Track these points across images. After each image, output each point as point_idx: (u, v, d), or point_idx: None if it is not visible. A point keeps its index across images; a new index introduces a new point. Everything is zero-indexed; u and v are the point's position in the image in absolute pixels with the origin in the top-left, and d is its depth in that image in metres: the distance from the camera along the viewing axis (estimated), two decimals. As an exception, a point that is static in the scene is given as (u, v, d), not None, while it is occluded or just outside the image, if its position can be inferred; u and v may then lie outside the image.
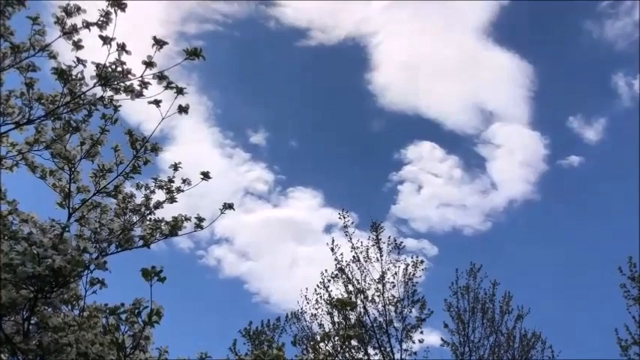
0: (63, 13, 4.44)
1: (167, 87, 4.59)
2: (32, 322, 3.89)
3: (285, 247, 27.14)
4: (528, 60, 28.13)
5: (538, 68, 27.76)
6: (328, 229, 25.14)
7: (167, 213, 5.52)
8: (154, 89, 4.65)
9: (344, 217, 16.69)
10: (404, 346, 15.74)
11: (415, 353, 15.84)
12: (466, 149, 27.87)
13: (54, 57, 4.58)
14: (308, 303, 17.04)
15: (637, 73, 26.12)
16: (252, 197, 26.23)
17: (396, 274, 16.29)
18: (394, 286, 16.18)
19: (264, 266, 25.04)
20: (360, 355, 15.65)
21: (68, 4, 4.43)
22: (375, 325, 15.88)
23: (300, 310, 17.26)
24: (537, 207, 26.98)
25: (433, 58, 31.10)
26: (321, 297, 16.78)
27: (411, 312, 16.02)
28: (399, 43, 30.73)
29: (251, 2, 27.78)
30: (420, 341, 15.88)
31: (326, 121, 31.05)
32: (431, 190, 26.16)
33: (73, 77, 4.56)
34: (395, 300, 16.00)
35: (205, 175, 5.35)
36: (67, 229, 4.71)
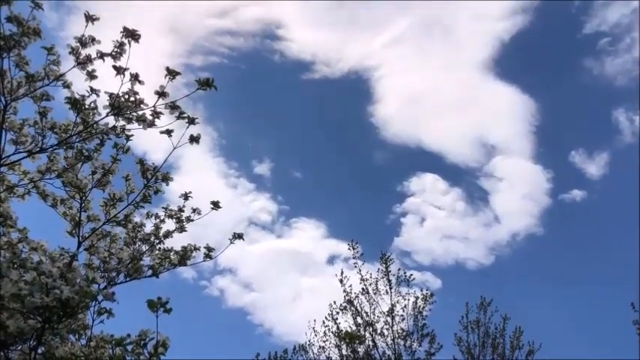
0: (78, 44, 4.49)
1: (179, 117, 4.61)
2: (39, 352, 3.85)
3: (289, 279, 27.03)
4: (530, 94, 28.34)
5: (539, 103, 27.91)
6: (332, 260, 25.11)
7: (173, 242, 5.53)
8: (163, 119, 4.69)
9: (353, 248, 16.60)
10: (413, 380, 15.51)
11: (424, 388, 15.59)
12: (469, 182, 27.89)
13: (68, 86, 4.62)
14: (316, 335, 16.87)
15: (637, 109, 26.21)
16: (256, 227, 26.22)
17: (405, 307, 16.12)
18: (403, 320, 16.00)
19: (267, 297, 24.91)
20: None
21: (83, 35, 4.48)
22: (383, 358, 15.67)
23: (307, 342, 17.08)
24: (541, 241, 26.84)
25: (435, 91, 31.37)
26: (329, 329, 16.61)
27: (420, 346, 15.82)
28: (401, 77, 31.07)
29: (256, 36, 28.16)
30: (430, 376, 15.65)
31: (330, 153, 31.24)
32: (434, 222, 26.10)
33: (86, 107, 4.59)
34: (404, 333, 15.81)
35: (215, 205, 5.35)
36: (76, 258, 4.70)
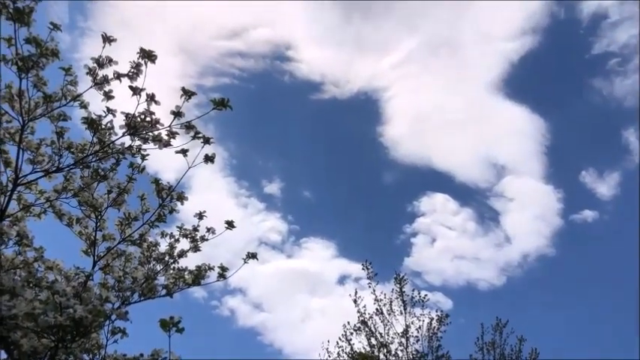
0: (95, 65, 4.54)
1: (194, 137, 4.63)
2: (52, 371, 3.85)
3: (299, 299, 26.95)
4: (539, 114, 28.26)
5: (549, 122, 27.84)
6: (342, 280, 25.03)
7: (186, 262, 5.54)
8: (176, 139, 4.71)
9: (367, 269, 16.55)
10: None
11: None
12: (479, 202, 27.76)
13: (85, 107, 4.66)
14: (329, 356, 16.76)
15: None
16: (266, 247, 26.23)
17: (419, 328, 16.00)
18: (418, 341, 15.87)
19: (277, 318, 24.84)
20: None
21: (100, 56, 4.53)
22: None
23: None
24: (552, 262, 26.64)
25: (444, 112, 31.43)
26: (343, 350, 16.50)
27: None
28: (410, 98, 31.18)
29: (266, 57, 28.41)
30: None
31: (339, 173, 31.28)
32: (445, 242, 25.98)
33: (103, 126, 4.63)
34: (419, 355, 15.67)
35: (230, 224, 5.36)
36: (91, 278, 4.72)
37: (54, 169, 4.80)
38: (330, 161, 31.38)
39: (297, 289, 28.17)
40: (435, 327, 15.98)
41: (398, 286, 16.33)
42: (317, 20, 29.79)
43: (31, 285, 4.05)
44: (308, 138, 31.57)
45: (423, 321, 16.04)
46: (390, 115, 30.34)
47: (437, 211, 27.07)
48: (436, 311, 16.27)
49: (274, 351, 23.54)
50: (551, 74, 30.17)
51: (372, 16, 29.82)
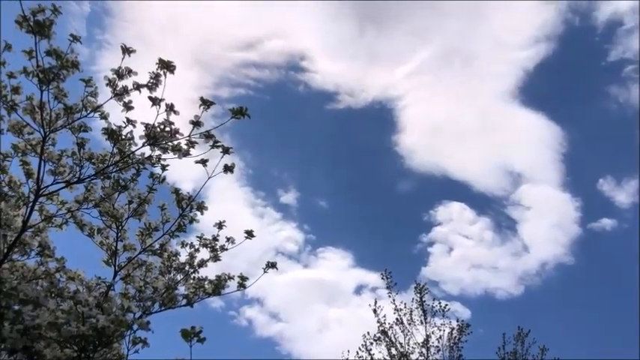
0: (114, 76, 4.57)
1: (213, 146, 4.64)
2: (75, 381, 3.86)
3: (316, 309, 26.80)
4: (555, 122, 27.95)
5: (565, 130, 27.52)
6: (358, 290, 24.88)
7: (205, 272, 5.56)
8: (196, 149, 4.73)
9: (387, 278, 16.46)
10: (449, 413, 15.18)
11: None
12: (496, 211, 27.46)
13: (105, 117, 4.69)
14: (350, 366, 16.66)
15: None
16: (283, 257, 26.12)
17: (440, 337, 15.86)
18: (439, 351, 15.73)
19: (294, 328, 24.73)
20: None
21: (120, 67, 4.56)
22: (419, 390, 15.39)
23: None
24: (571, 271, 26.24)
25: (459, 120, 31.21)
26: (363, 360, 16.39)
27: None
28: (425, 107, 30.97)
29: (281, 68, 28.51)
30: (467, 409, 15.31)
31: (355, 182, 31.15)
32: (462, 252, 25.73)
33: (123, 137, 4.66)
34: (440, 365, 15.53)
35: (249, 234, 5.37)
36: (112, 287, 4.74)
37: (75, 179, 4.82)
38: (345, 170, 31.35)
39: (314, 299, 28.07)
40: (455, 336, 15.85)
41: (418, 295, 16.23)
42: (330, 32, 29.89)
43: (53, 295, 4.07)
44: (323, 147, 31.57)
45: (444, 331, 15.92)
46: (404, 124, 30.25)
47: (454, 220, 26.87)
48: (457, 320, 16.14)
49: (292, 362, 23.48)
50: (566, 82, 29.92)
51: (385, 27, 29.84)
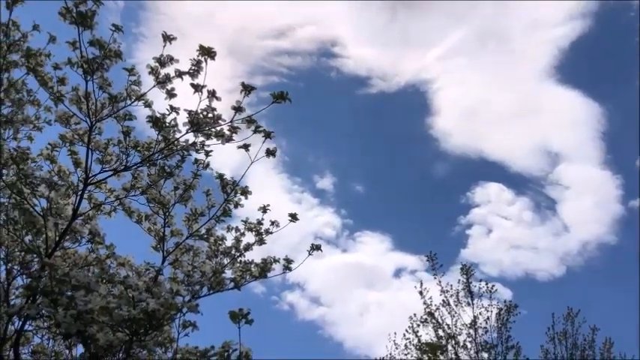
0: (157, 64, 4.61)
1: (255, 131, 4.65)
2: (128, 364, 3.95)
3: (356, 293, 26.77)
4: (593, 99, 27.15)
5: (604, 107, 26.68)
6: (398, 273, 24.78)
7: (250, 256, 5.61)
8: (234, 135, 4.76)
9: (432, 260, 16.36)
10: (499, 394, 15.07)
11: (511, 402, 15.12)
12: (535, 191, 26.84)
13: (149, 106, 4.75)
14: (397, 348, 16.68)
15: None
16: (321, 242, 26.13)
17: (488, 318, 15.72)
18: (487, 332, 15.60)
19: (335, 312, 24.74)
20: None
21: (162, 55, 4.60)
22: (467, 371, 15.30)
23: (388, 356, 16.90)
24: (614, 250, 25.50)
25: (494, 100, 30.51)
26: (410, 342, 16.39)
27: (505, 359, 15.36)
28: (459, 89, 30.37)
29: (313, 55, 28.39)
30: (516, 390, 15.16)
31: (391, 166, 30.85)
32: (501, 233, 25.24)
33: (167, 124, 4.71)
34: (488, 346, 15.41)
35: (293, 217, 5.39)
36: (161, 272, 4.82)
37: (122, 167, 4.91)
38: (380, 154, 31.09)
39: (353, 283, 28.05)
40: (504, 317, 15.69)
41: (464, 276, 16.10)
42: (362, 17, 29.56)
43: (104, 281, 4.15)
44: (357, 132, 31.38)
45: (492, 312, 15.77)
46: (439, 106, 29.83)
47: (492, 201, 26.43)
48: (504, 301, 15.95)
49: (335, 345, 23.52)
50: (603, 59, 28.89)
51: (417, 10, 29.32)
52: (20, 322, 4.66)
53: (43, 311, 3.57)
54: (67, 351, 5.73)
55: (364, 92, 28.39)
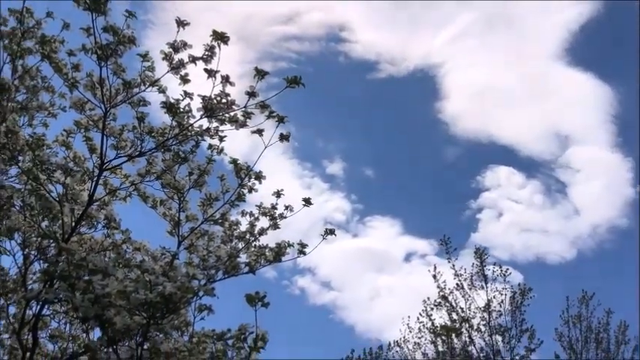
0: (170, 49, 4.61)
1: (269, 116, 4.66)
2: (145, 347, 4.00)
3: (367, 277, 26.84)
4: (604, 81, 26.85)
5: (615, 90, 26.38)
6: (408, 257, 24.82)
7: (264, 240, 5.65)
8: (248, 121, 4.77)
9: (445, 244, 16.35)
10: (513, 377, 15.10)
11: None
12: (545, 174, 26.68)
13: (163, 91, 4.76)
14: (410, 331, 16.75)
15: None
16: (332, 227, 26.19)
17: (502, 302, 15.73)
18: (500, 315, 15.61)
19: (346, 296, 24.84)
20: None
21: (175, 41, 4.60)
22: (481, 355, 15.34)
23: (402, 339, 16.98)
24: (625, 233, 25.31)
25: (503, 84, 30.25)
26: (424, 325, 16.44)
27: (519, 342, 15.38)
28: (468, 72, 30.15)
29: (321, 40, 28.27)
30: (530, 372, 15.18)
31: (400, 150, 30.73)
32: (511, 216, 25.15)
33: (181, 110, 4.72)
34: (502, 329, 15.42)
35: (307, 202, 5.41)
36: (176, 257, 4.86)
37: (137, 153, 4.93)
38: (390, 139, 30.95)
39: (364, 268, 28.11)
40: (518, 300, 15.68)
41: (478, 260, 16.09)
42: (370, 2, 29.39)
43: (120, 265, 4.19)
44: (367, 117, 31.29)
45: (505, 295, 15.77)
46: (448, 90, 29.69)
47: (502, 185, 26.33)
48: (517, 285, 15.93)
49: (346, 329, 23.64)
50: (613, 41, 28.48)
51: (426, -6, 29.10)
52: (38, 307, 4.73)
53: (61, 295, 3.60)
54: (85, 335, 5.80)
55: (373, 77, 28.27)
